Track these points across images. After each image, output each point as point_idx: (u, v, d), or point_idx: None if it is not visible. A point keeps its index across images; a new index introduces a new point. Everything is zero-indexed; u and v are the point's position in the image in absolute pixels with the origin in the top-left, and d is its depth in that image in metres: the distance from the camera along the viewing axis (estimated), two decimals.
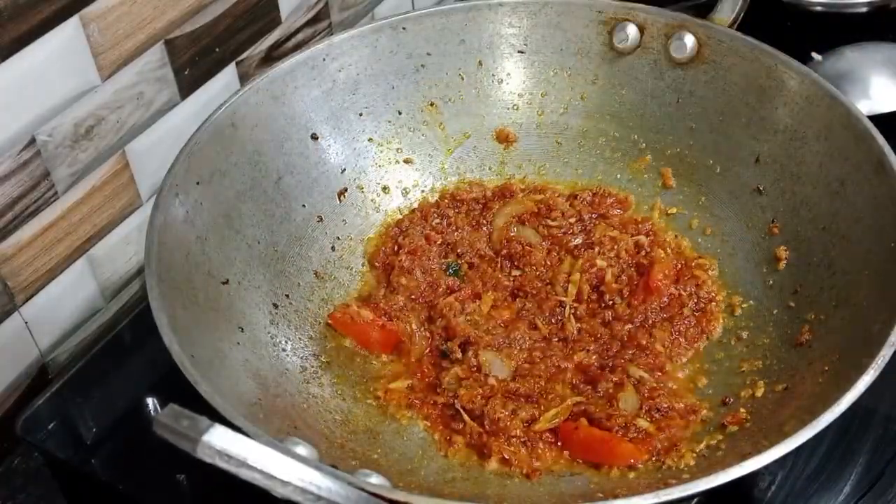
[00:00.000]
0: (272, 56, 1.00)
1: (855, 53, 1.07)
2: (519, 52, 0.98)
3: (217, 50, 0.93)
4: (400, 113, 0.96)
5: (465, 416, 0.77)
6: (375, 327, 0.85)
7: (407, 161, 0.96)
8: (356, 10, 1.10)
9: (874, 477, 0.76)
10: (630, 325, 0.84)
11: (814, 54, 1.08)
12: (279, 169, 0.89)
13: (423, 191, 0.97)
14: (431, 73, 0.96)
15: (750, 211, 0.89)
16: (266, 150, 0.88)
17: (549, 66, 0.98)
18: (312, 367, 0.82)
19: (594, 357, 0.82)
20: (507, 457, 0.75)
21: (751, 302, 0.85)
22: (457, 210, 0.94)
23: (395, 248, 0.91)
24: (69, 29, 0.78)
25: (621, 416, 0.75)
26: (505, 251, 0.91)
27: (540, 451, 0.75)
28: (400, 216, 0.95)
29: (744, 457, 0.61)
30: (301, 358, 0.82)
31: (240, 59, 0.97)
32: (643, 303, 0.85)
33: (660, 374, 0.80)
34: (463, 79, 0.97)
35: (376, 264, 0.91)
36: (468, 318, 0.85)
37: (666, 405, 0.77)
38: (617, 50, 0.95)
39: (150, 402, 0.86)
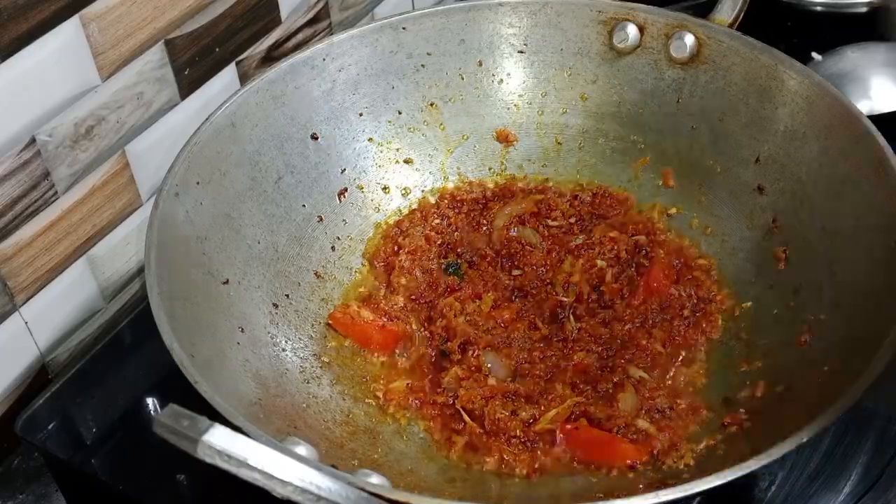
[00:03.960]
0: (272, 56, 1.00)
1: (855, 53, 1.07)
2: (519, 52, 0.98)
3: (217, 50, 0.93)
4: (400, 113, 0.96)
5: (465, 416, 0.77)
6: (375, 327, 0.85)
7: (407, 161, 0.96)
8: (356, 10, 1.10)
9: (874, 477, 0.76)
10: (630, 325, 0.84)
11: (814, 54, 1.08)
12: (279, 169, 0.89)
13: (423, 191, 0.97)
14: (431, 73, 0.96)
15: (750, 211, 0.89)
16: (266, 150, 0.88)
17: (549, 66, 0.98)
18: (312, 367, 0.82)
19: (594, 357, 0.82)
20: (506, 457, 0.75)
21: (751, 302, 0.85)
22: (457, 210, 0.95)
23: (395, 248, 0.91)
24: (69, 29, 0.78)
25: (621, 416, 0.75)
26: (505, 251, 0.91)
27: (540, 452, 0.75)
28: (400, 216, 0.95)
29: (744, 457, 0.61)
30: (301, 358, 0.82)
31: (240, 59, 0.97)
32: (643, 303, 0.85)
33: (659, 374, 0.80)
34: (463, 79, 0.97)
35: (376, 264, 0.91)
36: (468, 318, 0.85)
37: (666, 405, 0.77)
38: (617, 50, 0.95)
39: (150, 402, 0.86)
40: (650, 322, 0.84)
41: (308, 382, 0.80)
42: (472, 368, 0.81)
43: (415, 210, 0.95)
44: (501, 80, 0.98)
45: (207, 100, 0.93)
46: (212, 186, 0.83)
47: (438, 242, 0.92)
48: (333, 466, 0.65)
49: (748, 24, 0.92)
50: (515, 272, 0.90)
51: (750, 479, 0.72)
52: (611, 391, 0.78)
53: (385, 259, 0.91)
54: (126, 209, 0.91)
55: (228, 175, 0.85)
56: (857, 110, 0.81)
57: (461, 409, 0.78)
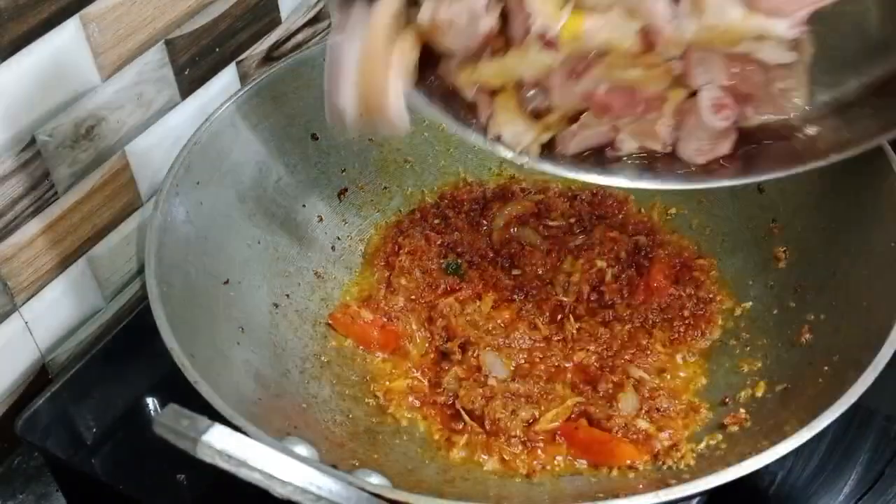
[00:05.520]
0: (272, 56, 1.00)
1: None
2: None
3: (217, 50, 0.93)
4: None
5: (465, 417, 0.77)
6: (375, 327, 0.85)
7: (407, 161, 0.96)
8: None
9: (874, 477, 0.76)
10: (630, 325, 0.84)
11: None
12: (279, 169, 0.89)
13: (423, 191, 0.97)
14: None
15: (750, 211, 0.89)
16: (266, 150, 0.88)
17: None
18: (312, 367, 0.82)
19: (594, 357, 0.82)
20: (506, 457, 0.75)
21: (750, 302, 0.85)
22: (457, 210, 0.95)
23: (395, 248, 0.91)
24: (69, 29, 0.78)
25: (621, 416, 0.75)
26: (505, 251, 0.91)
27: (540, 452, 0.75)
28: (400, 216, 0.95)
29: (744, 457, 0.61)
30: (301, 358, 0.82)
31: (240, 59, 0.97)
32: (643, 303, 0.85)
33: (660, 374, 0.80)
34: None
35: (376, 264, 0.91)
36: (468, 318, 0.85)
37: (666, 405, 0.77)
38: None
39: (150, 402, 0.86)
40: (650, 322, 0.84)
41: (308, 382, 0.80)
42: (472, 368, 0.81)
43: (415, 210, 0.95)
44: None
45: (207, 100, 0.93)
46: (212, 186, 0.83)
47: (438, 242, 0.92)
48: (333, 466, 0.65)
49: None
50: (515, 272, 0.90)
51: (750, 478, 0.71)
52: (611, 391, 0.78)
53: (385, 259, 0.91)
54: (126, 209, 0.91)
55: (228, 175, 0.85)
56: None
57: (461, 409, 0.78)
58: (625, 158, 0.72)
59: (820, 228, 0.82)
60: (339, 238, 0.92)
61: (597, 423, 0.76)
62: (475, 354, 0.81)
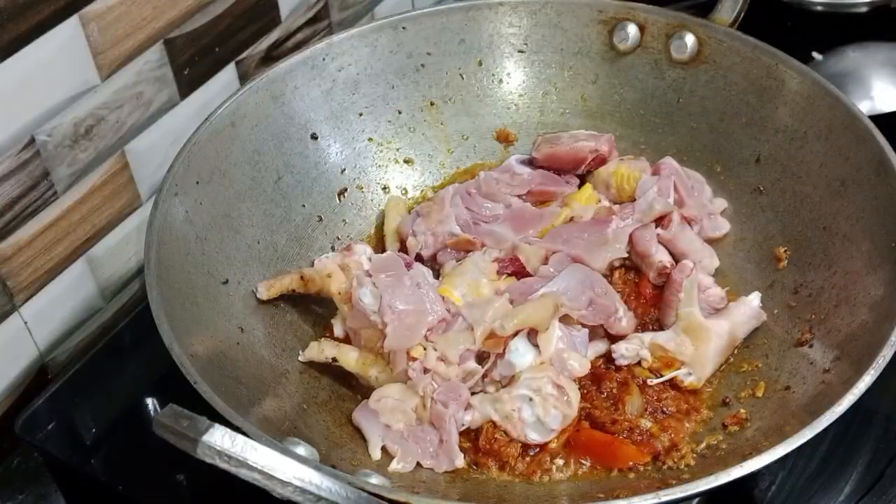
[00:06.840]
0: (272, 56, 1.00)
1: (856, 53, 1.07)
2: (519, 51, 0.97)
3: (217, 50, 0.93)
4: (400, 113, 0.96)
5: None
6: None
7: (407, 161, 0.96)
8: (356, 10, 1.10)
9: (874, 477, 0.76)
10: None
11: (814, 54, 1.08)
12: (279, 169, 0.89)
13: (422, 191, 0.97)
14: (431, 72, 0.96)
15: (750, 211, 0.89)
16: (266, 149, 0.88)
17: (550, 65, 0.98)
18: (312, 367, 0.82)
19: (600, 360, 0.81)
20: (506, 459, 0.74)
21: None
22: None
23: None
24: (68, 28, 0.78)
25: (626, 420, 0.75)
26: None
27: (540, 451, 0.75)
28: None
29: (744, 457, 0.61)
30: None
31: (239, 58, 0.97)
32: (645, 303, 0.85)
33: (661, 374, 0.80)
34: (463, 78, 0.97)
35: None
36: None
37: (672, 408, 0.77)
38: (617, 49, 0.95)
39: (150, 402, 0.86)
40: (651, 327, 0.84)
41: (308, 383, 0.80)
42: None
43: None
44: (501, 80, 0.98)
45: (207, 99, 0.93)
46: (211, 186, 0.83)
47: None
48: (333, 466, 0.65)
49: (748, 23, 0.92)
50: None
51: (750, 479, 0.72)
52: (615, 391, 0.78)
53: None
54: (126, 209, 0.91)
55: (228, 175, 0.85)
56: (857, 110, 0.81)
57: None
58: None
59: (820, 228, 0.82)
60: (339, 238, 0.92)
61: (600, 426, 0.75)
62: None
